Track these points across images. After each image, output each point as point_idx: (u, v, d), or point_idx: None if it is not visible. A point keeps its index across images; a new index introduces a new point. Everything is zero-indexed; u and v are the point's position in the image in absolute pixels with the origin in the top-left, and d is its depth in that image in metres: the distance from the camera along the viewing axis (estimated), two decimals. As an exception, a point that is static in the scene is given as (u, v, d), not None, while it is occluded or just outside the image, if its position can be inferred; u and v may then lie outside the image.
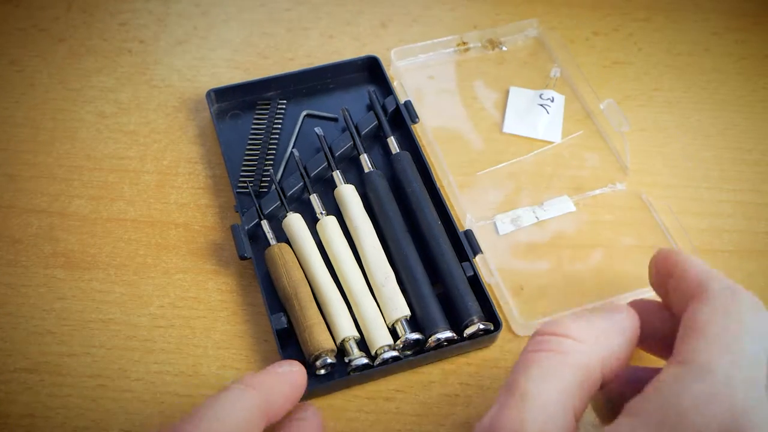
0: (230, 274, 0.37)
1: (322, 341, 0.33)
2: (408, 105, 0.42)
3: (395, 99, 0.42)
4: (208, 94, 0.42)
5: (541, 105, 0.43)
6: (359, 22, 0.49)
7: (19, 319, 0.35)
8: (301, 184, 0.39)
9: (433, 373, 0.34)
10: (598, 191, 0.40)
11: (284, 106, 0.43)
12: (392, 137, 0.40)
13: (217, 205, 0.40)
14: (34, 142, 0.42)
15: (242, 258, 0.36)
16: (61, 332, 0.35)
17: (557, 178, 0.41)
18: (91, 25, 0.48)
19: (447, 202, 0.38)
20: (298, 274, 0.35)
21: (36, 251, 0.38)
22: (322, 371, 0.33)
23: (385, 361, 0.33)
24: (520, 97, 0.44)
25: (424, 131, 0.42)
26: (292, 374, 0.30)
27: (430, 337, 0.34)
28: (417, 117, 0.41)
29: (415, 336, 0.34)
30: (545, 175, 0.41)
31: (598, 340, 0.26)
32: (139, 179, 0.41)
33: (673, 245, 0.38)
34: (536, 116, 0.43)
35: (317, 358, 0.33)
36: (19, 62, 0.46)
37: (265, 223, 0.37)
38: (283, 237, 0.37)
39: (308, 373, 0.31)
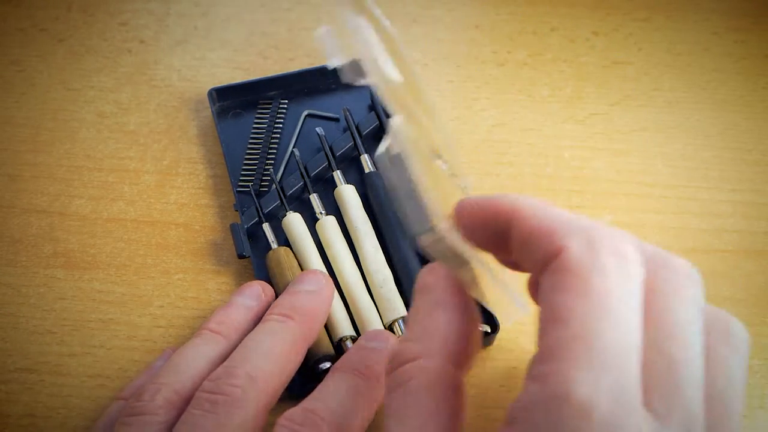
0: (230, 274, 0.37)
1: (323, 346, 0.33)
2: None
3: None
4: (210, 93, 0.42)
5: None
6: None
7: (19, 319, 0.35)
8: (301, 183, 0.39)
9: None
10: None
11: (285, 106, 0.43)
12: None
13: (217, 205, 0.40)
14: (34, 142, 0.42)
15: (241, 257, 0.36)
16: (61, 332, 0.35)
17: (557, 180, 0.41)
18: (91, 25, 0.48)
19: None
20: None
21: (36, 251, 0.38)
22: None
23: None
24: None
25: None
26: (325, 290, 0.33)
27: None
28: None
29: None
30: (544, 176, 0.41)
31: (434, 341, 0.24)
32: (139, 179, 0.41)
33: None
34: None
35: (318, 361, 0.33)
36: (20, 62, 0.46)
37: (266, 226, 0.37)
38: (282, 237, 0.37)
39: (307, 376, 0.31)
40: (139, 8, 0.49)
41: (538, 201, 0.23)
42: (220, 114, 0.42)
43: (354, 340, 0.34)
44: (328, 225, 0.37)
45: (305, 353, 0.32)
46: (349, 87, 0.44)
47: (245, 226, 0.37)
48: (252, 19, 0.49)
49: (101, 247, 0.38)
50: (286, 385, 0.30)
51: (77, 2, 0.49)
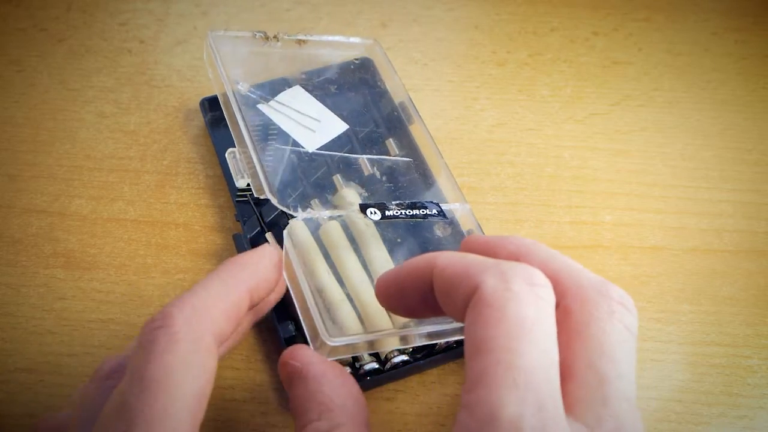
0: (230, 274, 0.37)
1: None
2: (403, 106, 0.41)
3: (391, 100, 0.42)
4: (202, 103, 0.42)
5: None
6: (359, 22, 0.49)
7: (19, 319, 0.35)
8: (301, 190, 0.38)
9: (434, 373, 0.34)
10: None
11: (281, 81, 0.42)
12: (391, 140, 0.40)
13: (217, 205, 0.40)
14: (34, 142, 0.42)
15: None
16: (61, 332, 0.35)
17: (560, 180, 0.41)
18: (91, 25, 0.48)
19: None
20: None
21: (36, 251, 0.38)
22: None
23: (396, 366, 0.33)
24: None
25: (422, 132, 0.41)
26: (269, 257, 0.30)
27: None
28: (412, 118, 0.41)
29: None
30: (545, 176, 0.41)
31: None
32: (139, 179, 0.41)
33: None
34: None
35: None
36: (19, 62, 0.46)
37: (269, 235, 0.37)
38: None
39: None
40: (139, 8, 0.49)
41: (454, 252, 0.25)
42: (213, 123, 0.42)
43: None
44: (333, 230, 0.37)
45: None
46: (343, 88, 0.43)
47: (248, 236, 0.37)
48: (252, 19, 0.49)
49: (101, 247, 0.38)
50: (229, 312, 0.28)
51: (77, 2, 0.49)
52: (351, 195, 0.37)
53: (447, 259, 0.25)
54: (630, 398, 0.22)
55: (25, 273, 0.37)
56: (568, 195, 0.41)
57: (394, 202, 0.35)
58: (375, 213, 0.34)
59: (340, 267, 0.36)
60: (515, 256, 0.26)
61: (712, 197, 0.41)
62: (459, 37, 0.48)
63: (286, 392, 0.28)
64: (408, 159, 0.39)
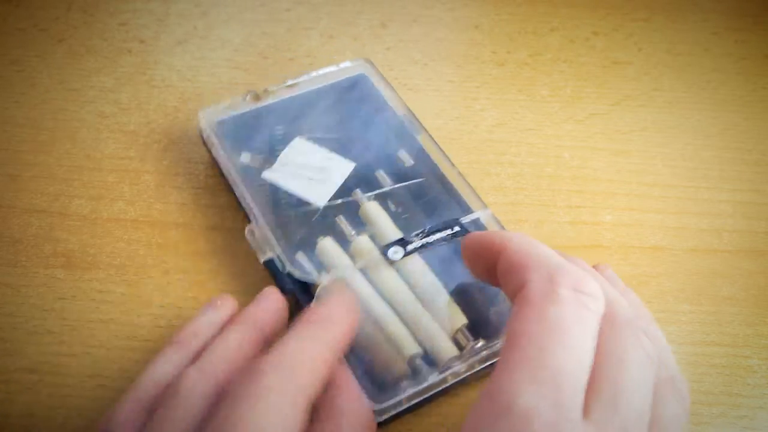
0: (230, 275, 0.37)
1: (397, 367, 0.31)
2: (406, 119, 0.40)
3: (394, 114, 0.41)
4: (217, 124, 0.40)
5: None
6: (359, 22, 0.49)
7: (19, 319, 0.35)
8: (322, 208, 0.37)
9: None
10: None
11: (282, 132, 0.40)
12: (403, 150, 0.39)
13: (217, 206, 0.40)
14: (34, 142, 0.42)
15: (286, 292, 0.33)
16: (61, 332, 0.35)
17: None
18: (91, 25, 0.48)
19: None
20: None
21: (36, 251, 0.38)
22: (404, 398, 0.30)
23: (457, 374, 0.31)
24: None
25: (429, 142, 0.39)
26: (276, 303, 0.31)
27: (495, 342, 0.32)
28: (419, 129, 0.40)
29: (481, 343, 0.31)
30: (546, 176, 0.41)
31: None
32: (139, 179, 0.41)
33: None
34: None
35: (395, 382, 0.31)
36: (19, 62, 0.46)
37: (301, 255, 0.35)
38: (314, 263, 0.35)
39: (383, 400, 0.29)
40: (139, 8, 0.49)
41: (528, 239, 0.26)
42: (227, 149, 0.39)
43: (423, 356, 0.32)
44: (365, 246, 0.35)
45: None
46: (341, 102, 0.41)
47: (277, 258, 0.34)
48: (252, 19, 0.49)
49: (101, 247, 0.38)
50: None
51: (77, 2, 0.49)
52: (364, 242, 0.35)
53: (517, 244, 0.26)
54: (641, 415, 0.23)
55: (25, 273, 0.37)
56: (568, 195, 0.41)
57: (413, 233, 0.34)
58: (397, 252, 0.34)
59: (382, 285, 0.34)
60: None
61: (712, 197, 0.41)
62: (459, 37, 0.48)
63: None
64: (420, 179, 0.38)
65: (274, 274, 0.34)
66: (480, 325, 0.33)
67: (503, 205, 0.40)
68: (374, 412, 0.29)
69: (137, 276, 0.37)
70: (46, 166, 0.41)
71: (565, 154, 0.42)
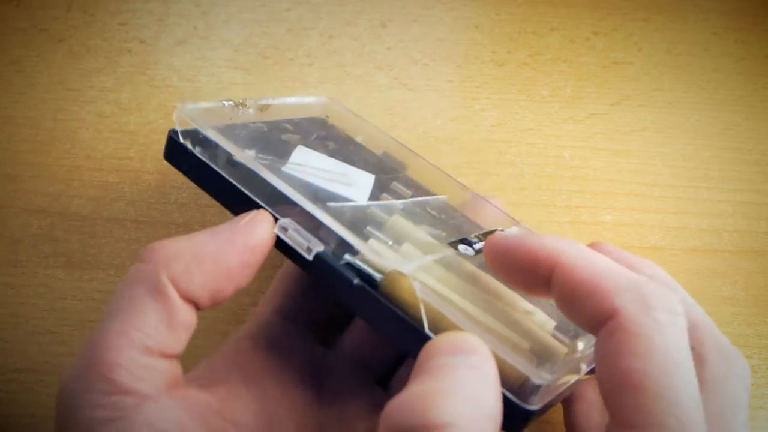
0: (230, 274, 0.37)
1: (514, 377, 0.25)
2: (388, 156, 0.37)
3: (371, 153, 0.38)
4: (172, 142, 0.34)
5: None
6: (359, 22, 0.49)
7: (19, 319, 0.35)
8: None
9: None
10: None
11: (267, 161, 0.34)
12: (396, 183, 0.36)
13: (217, 205, 0.39)
14: (34, 142, 0.42)
15: (348, 284, 0.27)
16: (61, 332, 0.35)
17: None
18: (91, 25, 0.48)
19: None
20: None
21: (36, 251, 0.38)
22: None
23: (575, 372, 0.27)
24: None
25: (423, 168, 0.37)
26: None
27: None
28: (405, 164, 0.36)
29: (581, 344, 0.28)
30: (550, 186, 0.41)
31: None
32: (139, 179, 0.41)
33: None
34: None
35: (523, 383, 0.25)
36: (19, 62, 0.46)
37: (366, 232, 0.30)
38: None
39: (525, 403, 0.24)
40: (139, 8, 0.49)
41: (579, 250, 0.24)
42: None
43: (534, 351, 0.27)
44: (421, 241, 0.30)
45: None
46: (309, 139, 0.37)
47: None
48: (252, 19, 0.49)
49: (101, 247, 0.38)
50: None
51: (77, 2, 0.49)
52: (420, 238, 0.31)
53: (574, 259, 0.23)
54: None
55: (25, 273, 0.37)
56: (568, 195, 0.41)
57: (472, 235, 0.31)
58: (467, 249, 0.30)
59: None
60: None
61: (712, 197, 0.41)
62: (459, 37, 0.48)
63: None
64: (443, 195, 0.36)
65: (329, 270, 0.27)
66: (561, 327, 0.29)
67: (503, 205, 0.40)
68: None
69: (137, 276, 0.37)
70: (46, 166, 0.41)
71: (565, 154, 0.42)
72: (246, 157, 0.30)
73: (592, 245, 0.30)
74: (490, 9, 0.50)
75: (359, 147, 0.38)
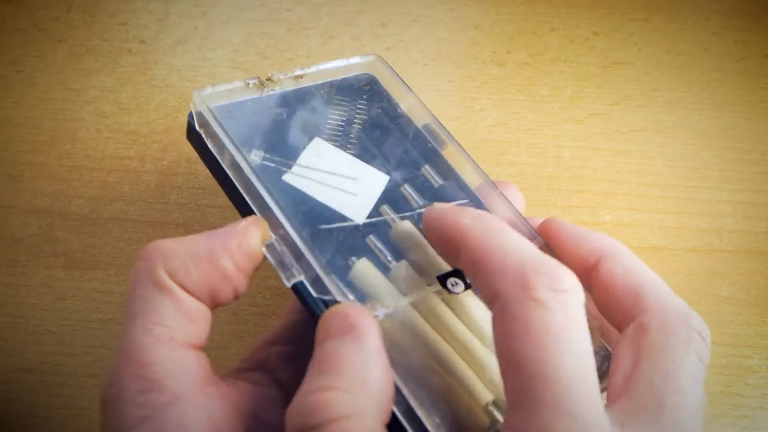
0: (230, 274, 0.37)
1: (476, 418, 0.26)
2: (429, 129, 0.35)
3: (411, 123, 0.35)
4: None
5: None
6: (359, 22, 0.49)
7: (19, 319, 0.35)
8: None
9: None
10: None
11: (292, 128, 0.34)
12: (427, 166, 0.34)
13: (217, 206, 0.40)
14: (34, 142, 0.42)
15: (317, 317, 0.26)
16: (61, 332, 0.35)
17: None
18: (91, 25, 0.48)
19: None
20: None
21: (36, 251, 0.38)
22: None
23: None
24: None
25: (459, 154, 0.34)
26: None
27: None
28: (445, 143, 0.34)
29: None
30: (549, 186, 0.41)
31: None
32: (139, 179, 0.41)
33: None
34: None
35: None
36: (20, 62, 0.46)
37: (333, 278, 0.27)
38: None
39: None
40: (139, 8, 0.49)
41: (485, 230, 0.24)
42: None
43: (497, 404, 0.26)
44: (407, 272, 0.29)
45: None
46: (347, 103, 0.36)
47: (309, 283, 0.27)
48: (252, 19, 0.49)
49: (101, 247, 0.38)
50: None
51: (77, 2, 0.49)
52: (407, 268, 0.29)
53: (476, 241, 0.24)
54: (687, 428, 0.22)
55: (25, 273, 0.37)
56: (568, 195, 0.41)
57: None
58: (456, 284, 0.27)
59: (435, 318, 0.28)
60: (597, 255, 0.26)
61: (712, 197, 0.41)
62: (459, 37, 0.48)
63: None
64: (465, 200, 0.33)
65: (304, 300, 0.27)
66: None
67: (503, 205, 0.40)
68: None
69: (137, 276, 0.37)
70: (46, 166, 0.41)
71: (565, 154, 0.42)
72: (245, 165, 0.29)
73: (544, 222, 0.29)
74: (490, 9, 0.50)
75: (400, 115, 0.35)
